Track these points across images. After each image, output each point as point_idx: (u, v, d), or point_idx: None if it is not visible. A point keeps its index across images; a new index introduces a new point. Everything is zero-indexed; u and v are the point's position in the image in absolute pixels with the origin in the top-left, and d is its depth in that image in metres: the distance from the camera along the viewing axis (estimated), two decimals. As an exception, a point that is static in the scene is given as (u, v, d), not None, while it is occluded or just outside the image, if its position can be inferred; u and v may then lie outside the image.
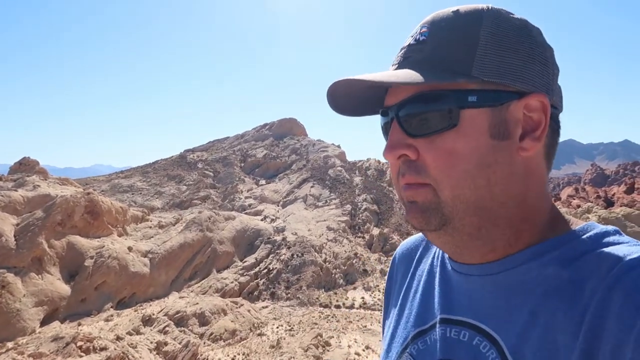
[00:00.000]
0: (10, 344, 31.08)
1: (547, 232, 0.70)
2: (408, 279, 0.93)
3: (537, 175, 0.70)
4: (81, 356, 26.29)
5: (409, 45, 0.73)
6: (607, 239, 0.64)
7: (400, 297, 0.92)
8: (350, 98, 0.78)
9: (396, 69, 0.72)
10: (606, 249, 0.61)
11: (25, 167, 60.35)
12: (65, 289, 42.31)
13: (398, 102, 0.71)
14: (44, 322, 38.35)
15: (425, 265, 0.89)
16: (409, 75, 0.67)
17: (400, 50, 0.75)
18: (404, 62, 0.72)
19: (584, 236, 0.66)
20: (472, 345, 0.69)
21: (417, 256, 0.93)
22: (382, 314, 1.01)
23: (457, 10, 0.70)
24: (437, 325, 0.77)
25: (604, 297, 0.55)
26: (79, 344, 27.90)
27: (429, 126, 0.67)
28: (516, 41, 0.68)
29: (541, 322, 0.61)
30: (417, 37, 0.72)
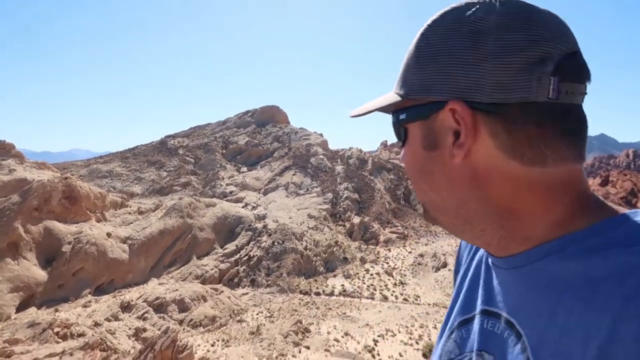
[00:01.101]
0: (-15, 330, 30.65)
1: (569, 224, 0.67)
2: (466, 265, 0.96)
3: (497, 176, 0.68)
4: (58, 342, 26.10)
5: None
6: None
7: (458, 282, 0.96)
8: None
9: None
10: (635, 246, 0.58)
11: (1, 151, 58.93)
12: (41, 274, 41.78)
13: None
14: (20, 308, 37.85)
15: (480, 254, 0.91)
16: (382, 99, 0.78)
17: None
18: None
19: (616, 228, 0.63)
20: (503, 338, 0.71)
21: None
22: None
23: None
24: (477, 315, 0.80)
25: (620, 308, 0.53)
26: (56, 330, 27.70)
27: (398, 138, 0.79)
28: (437, 49, 0.67)
29: (559, 323, 0.60)
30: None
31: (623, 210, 0.68)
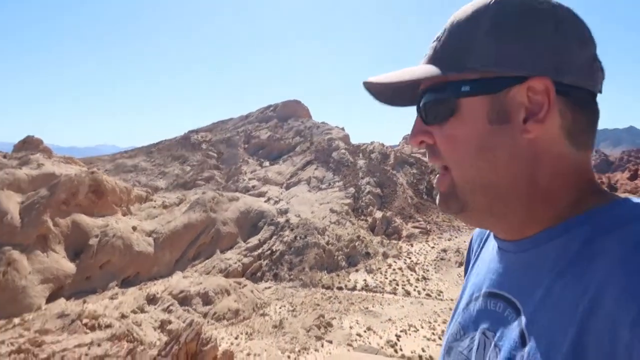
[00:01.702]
0: (16, 320, 31.55)
1: (575, 209, 0.72)
2: (478, 253, 0.99)
3: (550, 156, 0.72)
4: (87, 333, 26.67)
5: (432, 41, 0.79)
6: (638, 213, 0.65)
7: (470, 269, 1.00)
8: (388, 90, 0.85)
9: (422, 63, 0.80)
10: (631, 225, 0.62)
11: (29, 146, 60.43)
12: (70, 266, 42.76)
13: (419, 92, 0.79)
14: (50, 299, 38.85)
15: (490, 242, 0.94)
16: (421, 70, 0.75)
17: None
18: (425, 57, 0.80)
19: (615, 211, 0.67)
20: (504, 316, 0.75)
21: (487, 232, 0.99)
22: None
23: (473, 3, 0.75)
24: (481, 297, 0.84)
25: (605, 276, 0.57)
26: (85, 321, 28.29)
27: (436, 115, 0.75)
28: (516, 25, 0.70)
29: (554, 295, 0.65)
30: (439, 33, 0.79)
31: (622, 196, 0.73)
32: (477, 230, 1.05)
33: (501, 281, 0.80)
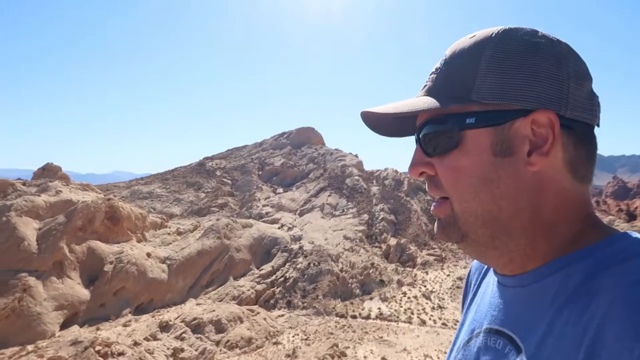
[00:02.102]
0: (30, 347, 31.56)
1: (574, 243, 0.71)
2: (476, 287, 1.00)
3: (553, 189, 0.72)
4: (99, 360, 26.56)
5: (430, 73, 0.80)
6: (638, 250, 0.64)
7: (467, 304, 1.00)
8: (384, 122, 0.87)
9: (422, 94, 0.79)
10: (631, 261, 0.62)
11: (48, 173, 61.48)
12: (84, 293, 42.87)
13: (418, 124, 0.79)
14: (64, 326, 38.82)
15: (488, 278, 0.95)
16: (422, 102, 0.75)
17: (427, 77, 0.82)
18: (423, 89, 0.79)
19: (615, 246, 0.66)
20: (504, 353, 0.73)
21: (486, 267, 0.99)
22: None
23: (474, 35, 0.76)
24: (482, 333, 0.83)
25: (606, 312, 0.56)
26: (97, 348, 28.23)
27: (438, 146, 0.75)
28: (519, 60, 0.70)
29: (555, 333, 0.63)
30: (438, 65, 0.79)
31: (622, 231, 0.72)
32: (475, 262, 1.06)
33: (502, 317, 0.79)
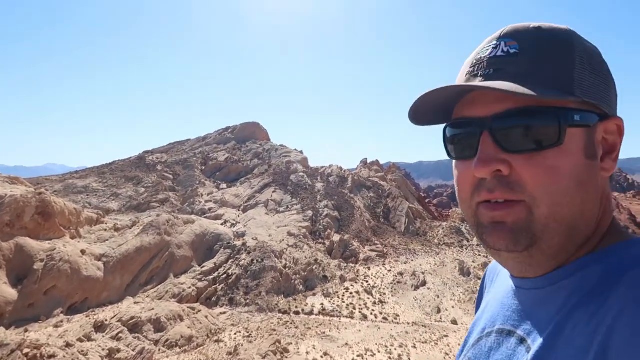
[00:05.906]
0: (-51, 352, 29.42)
1: (598, 245, 0.71)
2: (490, 288, 1.01)
3: (606, 195, 0.71)
4: (27, 364, 25.20)
5: (496, 56, 0.71)
6: None
7: (482, 307, 1.00)
8: (435, 106, 0.79)
9: (483, 80, 0.70)
10: None
11: (-28, 165, 57.43)
12: (11, 293, 40.44)
13: (494, 114, 0.69)
14: (-12, 328, 36.54)
15: (504, 278, 0.93)
16: (515, 86, 0.65)
17: (480, 62, 0.73)
18: (495, 73, 0.70)
19: (632, 250, 0.66)
20: (514, 353, 0.73)
21: (500, 268, 0.98)
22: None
23: (540, 27, 0.69)
24: (494, 333, 0.83)
25: (618, 315, 0.55)
26: (25, 351, 26.77)
27: (532, 142, 0.66)
28: (599, 64, 0.69)
29: (565, 335, 0.62)
30: (505, 49, 0.70)
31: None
32: (490, 265, 1.08)
33: (515, 318, 0.78)
